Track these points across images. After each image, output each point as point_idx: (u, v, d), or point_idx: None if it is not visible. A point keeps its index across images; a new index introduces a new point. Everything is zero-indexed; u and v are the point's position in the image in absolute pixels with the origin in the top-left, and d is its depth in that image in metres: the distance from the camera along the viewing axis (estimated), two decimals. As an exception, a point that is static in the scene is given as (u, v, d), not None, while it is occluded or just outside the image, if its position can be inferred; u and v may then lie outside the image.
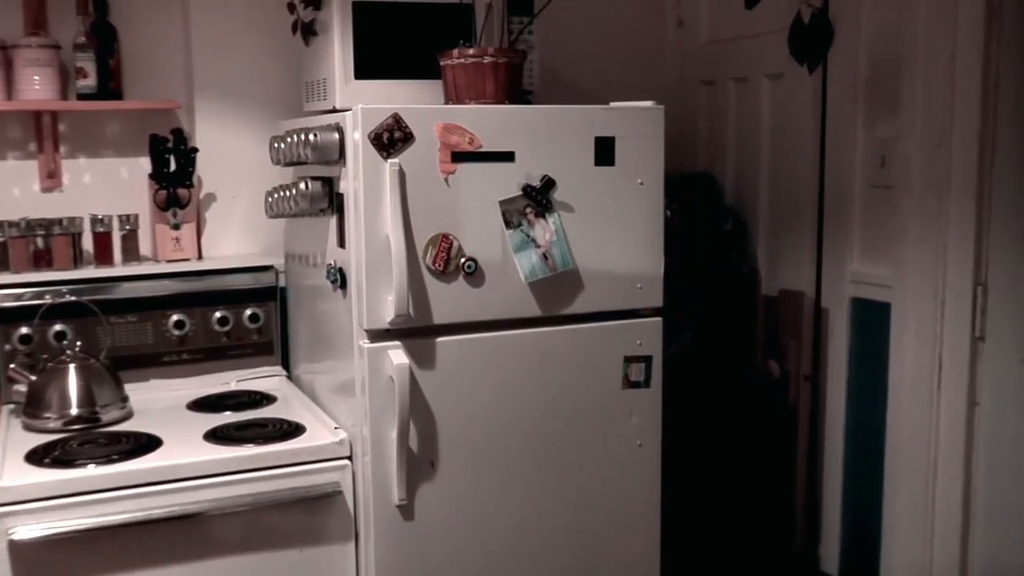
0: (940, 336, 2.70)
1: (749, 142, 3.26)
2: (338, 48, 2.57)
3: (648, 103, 2.47)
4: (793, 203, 3.09)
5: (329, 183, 2.41)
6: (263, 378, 2.88)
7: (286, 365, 2.95)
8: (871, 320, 2.86)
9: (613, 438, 2.50)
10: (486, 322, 2.36)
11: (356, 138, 2.23)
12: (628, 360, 2.49)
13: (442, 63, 2.52)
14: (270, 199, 2.61)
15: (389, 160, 2.22)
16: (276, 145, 2.57)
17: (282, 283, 2.94)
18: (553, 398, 2.43)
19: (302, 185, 2.40)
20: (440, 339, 2.32)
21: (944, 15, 2.60)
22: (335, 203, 2.40)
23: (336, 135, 2.30)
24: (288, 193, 2.47)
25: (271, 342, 2.93)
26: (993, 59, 2.57)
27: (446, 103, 2.52)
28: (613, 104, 2.44)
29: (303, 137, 2.33)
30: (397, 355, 2.26)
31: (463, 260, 2.30)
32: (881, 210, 2.82)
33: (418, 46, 2.64)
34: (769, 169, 3.20)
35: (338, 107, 2.57)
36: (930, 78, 2.64)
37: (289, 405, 2.68)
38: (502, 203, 2.33)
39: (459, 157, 2.29)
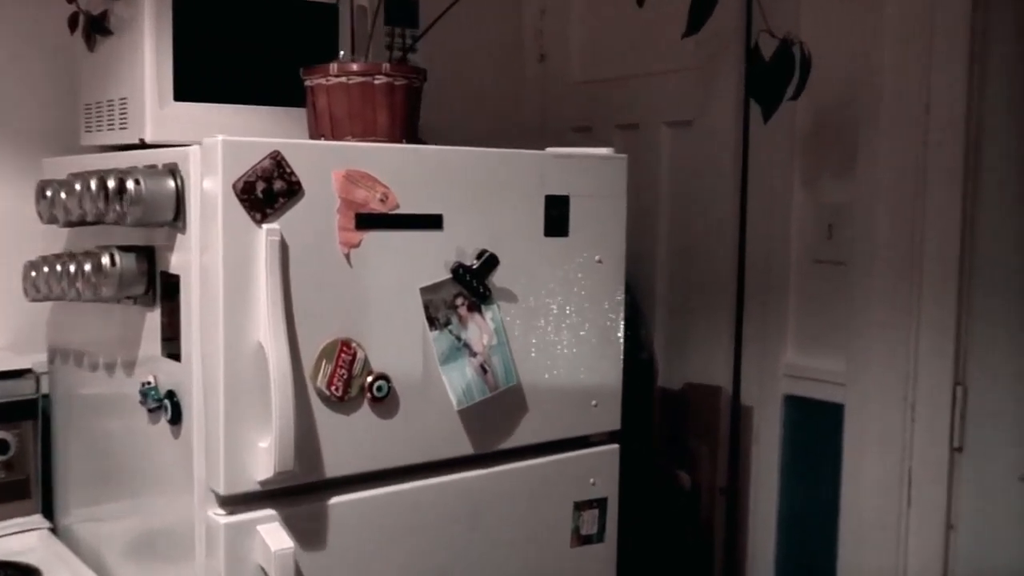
0: (910, 446, 2.09)
1: (641, 204, 2.55)
2: (150, 54, 1.63)
3: (606, 150, 1.71)
4: (704, 280, 2.41)
5: (149, 257, 1.47)
6: (14, 535, 1.84)
7: (49, 513, 1.91)
8: (815, 423, 2.22)
9: (556, 619, 1.69)
10: (400, 469, 1.49)
11: (207, 188, 1.32)
12: (579, 507, 1.69)
13: (310, 83, 1.64)
14: (34, 274, 1.61)
15: (265, 224, 1.32)
16: (49, 194, 1.59)
17: (45, 390, 1.92)
18: (490, 571, 1.59)
19: (105, 259, 1.43)
20: (334, 500, 1.43)
21: (915, 56, 2.02)
22: (157, 288, 1.46)
23: (170, 183, 1.37)
24: (75, 269, 1.50)
25: (26, 481, 1.88)
26: (975, 112, 2.01)
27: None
28: (563, 150, 1.65)
29: (113, 184, 1.37)
30: (274, 535, 1.34)
31: (370, 379, 1.43)
32: (828, 290, 2.19)
33: (265, 58, 1.75)
34: (669, 238, 2.51)
35: (149, 140, 1.63)
36: (898, 132, 2.04)
37: (63, 586, 1.67)
38: (424, 291, 1.48)
39: (366, 222, 1.42)
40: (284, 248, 1.33)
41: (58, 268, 1.56)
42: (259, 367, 1.32)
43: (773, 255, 2.27)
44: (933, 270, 2.03)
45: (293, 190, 1.35)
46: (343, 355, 1.40)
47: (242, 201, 1.30)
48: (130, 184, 1.33)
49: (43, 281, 1.60)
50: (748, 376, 2.33)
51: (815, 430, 2.22)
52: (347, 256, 1.41)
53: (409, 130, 1.68)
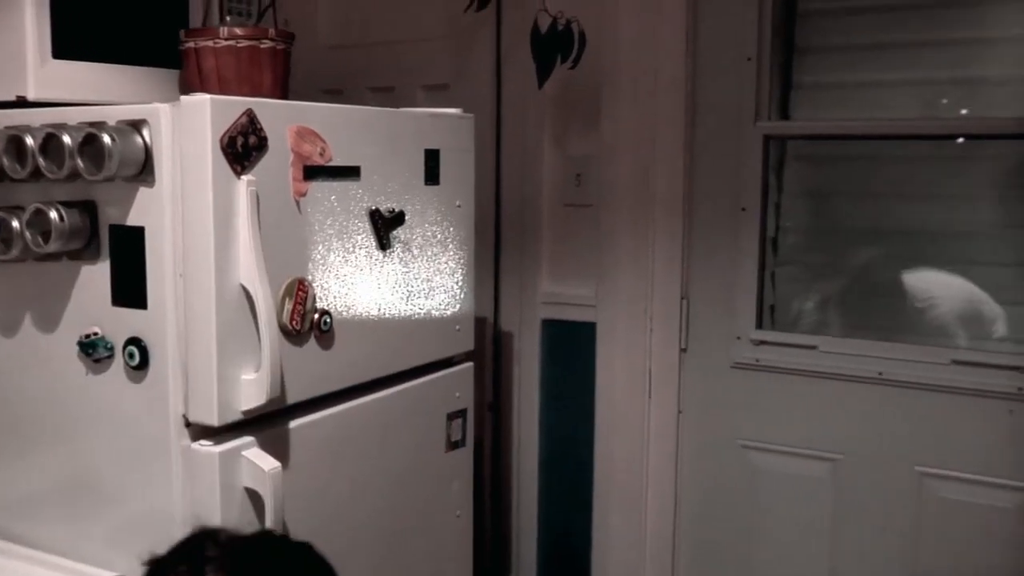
0: (649, 350, 2.56)
1: (397, 159, 2.78)
2: (31, 11, 1.61)
3: (456, 110, 1.94)
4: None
5: (91, 211, 1.48)
6: None
7: None
8: (570, 341, 2.61)
9: (436, 513, 1.93)
10: (336, 393, 1.65)
11: (188, 143, 1.40)
12: (450, 417, 1.94)
13: (194, 45, 1.71)
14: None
15: (244, 176, 1.43)
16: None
17: None
18: (395, 477, 1.80)
19: (53, 214, 1.43)
20: (293, 423, 1.57)
21: (646, 30, 2.45)
22: (102, 242, 1.48)
23: (138, 139, 1.41)
24: (11, 224, 1.47)
25: None
26: (691, 77, 2.49)
27: (195, 100, 1.72)
28: (429, 110, 1.87)
29: (74, 140, 1.39)
30: (260, 458, 1.46)
31: (318, 315, 1.58)
32: (577, 229, 2.58)
33: (133, 19, 1.77)
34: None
35: (31, 98, 1.61)
36: (635, 96, 2.48)
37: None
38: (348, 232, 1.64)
39: (311, 172, 1.56)
40: (257, 197, 1.44)
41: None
42: (240, 307, 1.43)
43: (527, 201, 2.62)
44: (663, 208, 2.49)
45: (262, 144, 1.45)
46: (300, 292, 1.53)
47: (226, 155, 1.40)
48: (106, 139, 1.36)
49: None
50: (509, 306, 2.67)
51: (571, 348, 2.61)
52: (298, 203, 1.54)
53: (285, 91, 1.81)
